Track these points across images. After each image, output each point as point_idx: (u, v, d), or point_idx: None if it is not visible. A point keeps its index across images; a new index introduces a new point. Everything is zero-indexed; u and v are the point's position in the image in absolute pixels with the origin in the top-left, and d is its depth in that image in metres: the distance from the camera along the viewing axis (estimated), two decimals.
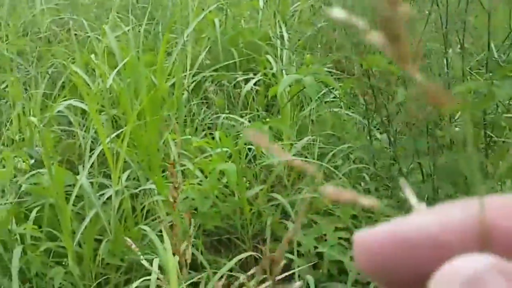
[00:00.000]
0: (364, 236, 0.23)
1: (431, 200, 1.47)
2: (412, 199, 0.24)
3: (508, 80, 1.31)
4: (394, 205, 1.78)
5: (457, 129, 1.43)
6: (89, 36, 2.74)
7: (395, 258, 0.23)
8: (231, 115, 2.38)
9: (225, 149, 1.98)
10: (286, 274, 1.47)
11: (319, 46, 2.70)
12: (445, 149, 1.60)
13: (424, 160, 1.41)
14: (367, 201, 0.24)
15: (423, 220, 0.23)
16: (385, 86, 1.64)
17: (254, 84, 2.68)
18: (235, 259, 1.61)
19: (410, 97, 1.44)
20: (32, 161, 1.96)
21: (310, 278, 1.50)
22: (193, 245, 1.68)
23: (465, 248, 0.22)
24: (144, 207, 1.89)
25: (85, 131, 2.17)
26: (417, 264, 0.22)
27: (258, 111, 2.53)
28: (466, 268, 0.21)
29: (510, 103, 1.76)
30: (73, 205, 1.79)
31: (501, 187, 1.56)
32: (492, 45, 1.62)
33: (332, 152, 2.09)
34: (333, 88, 2.22)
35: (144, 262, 1.43)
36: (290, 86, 2.07)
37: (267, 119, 2.19)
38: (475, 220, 0.22)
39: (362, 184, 1.96)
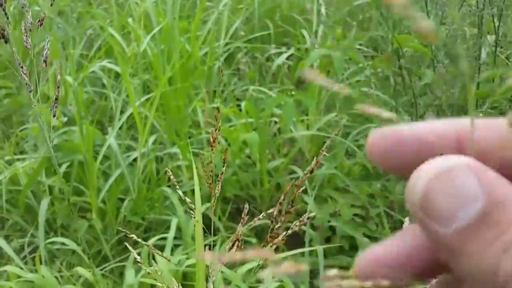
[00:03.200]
0: (375, 135, 0.29)
1: None
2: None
3: None
4: None
5: (480, 115, 1.44)
6: (128, 0, 2.79)
7: (394, 152, 0.29)
8: (260, 88, 2.40)
9: (250, 120, 2.01)
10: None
11: (355, 23, 2.68)
12: None
13: None
14: (387, 114, 0.30)
15: (419, 126, 0.29)
16: (414, 66, 1.65)
17: (287, 59, 2.69)
18: (247, 225, 1.65)
19: (437, 79, 1.45)
20: (65, 119, 2.03)
21: (320, 250, 1.54)
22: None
23: (444, 150, 0.28)
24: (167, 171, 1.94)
25: (117, 94, 2.23)
26: (408, 158, 0.29)
27: (288, 85, 2.55)
28: (442, 163, 0.26)
29: None
30: (101, 164, 1.86)
31: None
32: None
33: (357, 131, 2.11)
34: (364, 67, 2.22)
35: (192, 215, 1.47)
36: (321, 61, 2.10)
37: (293, 93, 2.21)
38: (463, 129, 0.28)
39: None
